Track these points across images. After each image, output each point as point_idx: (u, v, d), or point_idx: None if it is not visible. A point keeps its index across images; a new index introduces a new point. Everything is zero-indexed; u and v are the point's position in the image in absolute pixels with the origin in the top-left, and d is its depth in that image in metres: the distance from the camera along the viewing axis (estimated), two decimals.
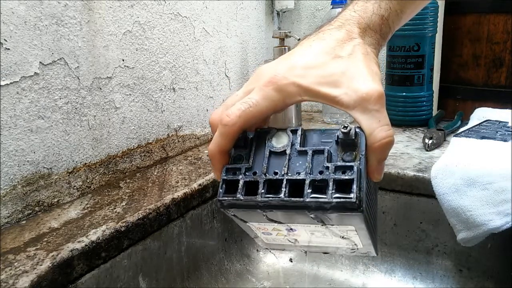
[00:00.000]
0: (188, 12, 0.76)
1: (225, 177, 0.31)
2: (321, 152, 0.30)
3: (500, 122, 0.77)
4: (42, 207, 0.55)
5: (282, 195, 0.29)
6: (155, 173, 0.68)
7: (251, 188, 0.30)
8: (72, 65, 0.57)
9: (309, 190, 0.28)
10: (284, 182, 0.29)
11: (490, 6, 0.91)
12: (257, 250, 0.74)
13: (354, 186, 0.27)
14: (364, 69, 0.31)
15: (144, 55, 0.68)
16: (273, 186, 0.30)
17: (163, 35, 0.71)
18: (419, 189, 0.64)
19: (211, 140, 0.32)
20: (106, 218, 0.52)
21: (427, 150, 0.72)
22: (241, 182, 0.30)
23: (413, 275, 0.67)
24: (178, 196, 0.59)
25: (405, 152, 0.72)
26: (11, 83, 0.50)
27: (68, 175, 0.58)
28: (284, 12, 1.11)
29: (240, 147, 0.32)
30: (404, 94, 0.87)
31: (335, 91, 0.30)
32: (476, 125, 0.77)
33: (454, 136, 0.72)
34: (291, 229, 0.33)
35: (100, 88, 0.61)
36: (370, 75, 0.31)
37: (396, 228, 0.68)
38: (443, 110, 0.95)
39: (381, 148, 0.30)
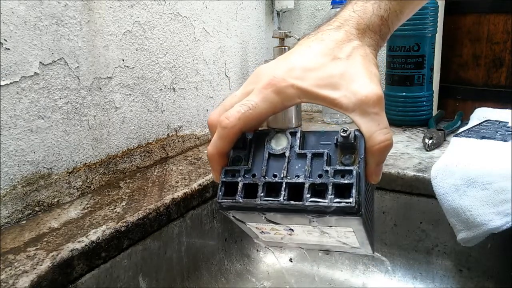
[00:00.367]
0: (188, 12, 0.76)
1: (224, 179, 0.31)
2: (320, 155, 0.30)
3: (500, 122, 0.77)
4: (42, 207, 0.55)
5: (281, 198, 0.29)
6: (155, 173, 0.68)
7: (250, 190, 0.30)
8: (72, 65, 0.57)
9: (308, 195, 0.28)
10: (284, 185, 0.29)
11: (490, 6, 0.91)
12: (257, 250, 0.74)
13: (354, 191, 0.28)
14: (363, 71, 0.31)
15: (144, 55, 0.68)
16: (272, 188, 0.30)
17: (163, 35, 0.71)
18: (419, 189, 0.64)
19: (211, 140, 0.32)
20: (106, 218, 0.52)
21: (427, 150, 0.72)
22: (240, 185, 0.30)
23: (413, 275, 0.67)
24: (178, 196, 0.59)
25: (405, 152, 0.72)
26: (11, 83, 0.50)
27: (68, 175, 0.58)
28: (284, 12, 1.11)
29: (239, 148, 0.32)
30: (404, 94, 0.87)
31: (334, 93, 0.30)
32: (476, 125, 0.77)
33: (454, 136, 0.72)
34: (289, 229, 0.33)
35: (100, 88, 0.61)
36: (369, 77, 0.31)
37: (396, 228, 0.68)
38: (443, 110, 0.95)
39: (380, 151, 0.29)
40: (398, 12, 0.36)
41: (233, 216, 0.32)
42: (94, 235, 0.48)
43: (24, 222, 0.52)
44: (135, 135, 0.69)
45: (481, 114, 0.82)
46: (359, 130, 0.30)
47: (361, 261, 0.71)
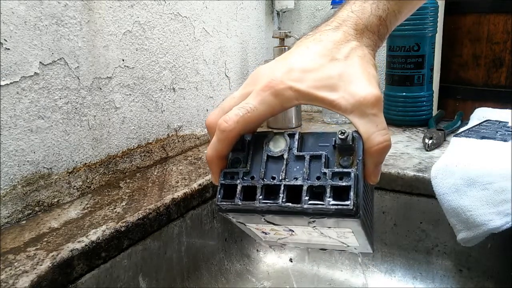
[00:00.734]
0: (188, 12, 0.76)
1: (223, 182, 0.31)
2: (318, 157, 0.30)
3: (500, 122, 0.77)
4: (42, 207, 0.55)
5: (280, 201, 0.29)
6: (155, 173, 0.68)
7: (249, 192, 0.30)
8: (72, 65, 0.57)
9: (307, 197, 0.28)
10: (282, 187, 0.29)
11: (490, 6, 0.91)
12: (257, 250, 0.74)
13: (352, 193, 0.28)
14: (361, 72, 0.31)
15: (144, 55, 0.68)
16: (271, 191, 0.30)
17: (163, 35, 0.71)
18: (419, 189, 0.64)
19: (209, 141, 0.32)
20: (106, 218, 0.52)
21: (427, 150, 0.72)
22: (239, 187, 0.30)
23: (413, 275, 0.67)
24: (178, 196, 0.59)
25: (405, 152, 0.72)
26: (11, 83, 0.50)
27: (68, 175, 0.58)
28: (284, 12, 1.11)
29: (237, 150, 0.32)
30: (404, 94, 0.87)
31: (332, 95, 0.30)
32: (476, 125, 0.77)
33: (454, 136, 0.72)
34: (289, 230, 0.33)
35: (100, 88, 0.61)
36: (367, 78, 0.31)
37: (396, 228, 0.68)
38: (443, 110, 0.95)
39: (378, 153, 0.29)
40: (397, 12, 0.36)
41: (232, 218, 0.33)
42: (94, 235, 0.48)
43: (24, 222, 0.52)
44: (135, 135, 0.69)
45: (481, 114, 0.82)
46: (357, 132, 0.30)
47: (361, 261, 0.71)
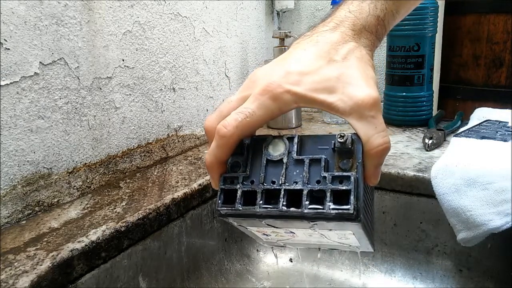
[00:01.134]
0: (188, 12, 0.76)
1: (223, 187, 0.31)
2: (318, 161, 0.30)
3: (500, 122, 0.77)
4: (42, 207, 0.55)
5: (280, 205, 0.29)
6: (155, 173, 0.68)
7: (249, 196, 0.30)
8: (72, 65, 0.57)
9: (307, 202, 0.28)
10: (282, 192, 0.29)
11: (490, 6, 0.91)
12: (257, 250, 0.74)
13: (352, 197, 0.28)
14: (359, 74, 0.31)
15: (144, 55, 0.68)
16: (271, 195, 0.30)
17: (163, 35, 0.71)
18: (419, 189, 0.64)
19: (209, 144, 0.32)
20: (106, 218, 0.52)
21: (427, 150, 0.72)
22: (239, 192, 0.30)
23: (413, 275, 0.67)
24: (178, 196, 0.59)
25: (405, 152, 0.72)
26: (11, 83, 0.50)
27: (68, 175, 0.58)
28: (284, 12, 1.11)
29: (237, 154, 0.32)
30: (404, 94, 0.87)
31: (331, 97, 0.30)
32: (476, 125, 0.77)
33: (454, 136, 0.72)
34: (290, 232, 0.33)
35: (100, 88, 0.61)
36: (365, 80, 0.30)
37: (396, 228, 0.68)
38: (443, 110, 0.95)
39: (378, 155, 0.29)
40: (395, 12, 0.36)
41: (233, 222, 0.33)
42: (94, 235, 0.48)
43: (24, 222, 0.52)
44: (135, 135, 0.69)
45: (481, 114, 0.82)
46: (356, 134, 0.30)
47: (361, 261, 0.71)
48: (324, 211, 0.28)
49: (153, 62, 0.70)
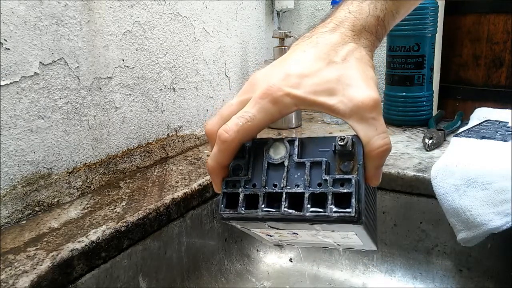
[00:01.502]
0: (188, 12, 0.76)
1: (225, 190, 0.31)
2: (318, 163, 0.30)
3: (500, 122, 0.77)
4: (42, 207, 0.55)
5: (282, 209, 0.29)
6: (155, 173, 0.68)
7: (251, 200, 0.30)
8: (72, 65, 0.57)
9: (309, 205, 0.29)
10: (284, 195, 0.29)
11: (490, 6, 0.91)
12: (257, 250, 0.74)
13: (353, 200, 0.28)
14: (359, 75, 0.31)
15: (144, 55, 0.68)
16: (273, 198, 0.30)
17: (163, 35, 0.71)
18: (419, 189, 0.64)
19: (211, 148, 0.32)
20: (106, 218, 0.52)
21: (427, 150, 0.72)
22: (241, 196, 0.30)
23: (413, 275, 0.67)
24: (178, 196, 0.59)
25: (405, 152, 0.72)
26: (11, 83, 0.50)
27: (68, 175, 0.58)
28: (284, 12, 1.11)
29: (238, 157, 0.32)
30: (404, 94, 0.87)
31: (331, 99, 0.30)
32: (476, 125, 0.77)
33: (454, 136, 0.72)
34: (293, 233, 0.34)
35: (100, 88, 0.61)
36: (365, 81, 0.30)
37: (396, 228, 0.68)
38: (443, 110, 0.95)
39: (379, 156, 0.29)
40: (394, 12, 0.36)
41: (236, 224, 0.33)
42: (94, 235, 0.48)
43: (24, 222, 0.52)
44: (135, 135, 0.69)
45: (481, 114, 0.82)
46: (356, 136, 0.30)
47: (361, 261, 0.71)
48: (325, 214, 0.28)
49: (153, 62, 0.70)
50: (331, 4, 0.90)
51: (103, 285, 0.48)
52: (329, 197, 0.28)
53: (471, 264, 0.64)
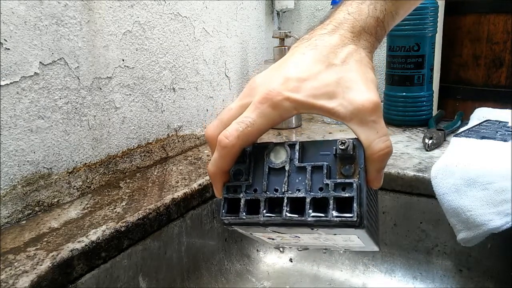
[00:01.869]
0: (188, 12, 0.76)
1: (226, 196, 0.31)
2: (319, 167, 0.30)
3: (500, 122, 0.77)
4: (42, 207, 0.55)
5: (283, 214, 0.29)
6: (155, 173, 0.68)
7: (252, 205, 0.30)
8: (72, 65, 0.57)
9: (310, 210, 0.28)
10: (285, 200, 0.29)
11: (490, 6, 0.91)
12: (257, 250, 0.74)
13: (355, 205, 0.28)
14: (358, 77, 0.30)
15: (144, 55, 0.68)
16: (274, 203, 0.30)
17: (163, 35, 0.71)
18: (419, 189, 0.64)
19: (212, 153, 0.32)
20: (106, 218, 0.52)
21: (427, 150, 0.72)
22: (242, 201, 0.30)
23: (413, 275, 0.67)
24: (178, 196, 0.59)
25: (405, 152, 0.72)
26: (11, 83, 0.50)
27: (68, 175, 0.58)
28: (284, 12, 1.11)
29: (239, 162, 0.32)
30: (404, 94, 0.87)
31: (331, 102, 0.30)
32: (476, 125, 0.77)
33: (454, 136, 0.72)
34: (295, 236, 0.34)
35: (100, 88, 0.61)
36: (365, 84, 0.30)
37: (396, 228, 0.68)
38: (443, 110, 0.95)
39: (380, 159, 0.29)
40: (394, 13, 0.36)
41: (238, 229, 0.33)
42: (94, 235, 0.48)
43: (24, 222, 0.52)
44: (135, 135, 0.69)
45: (481, 114, 0.82)
46: (357, 139, 0.30)
47: (361, 261, 0.71)
48: (327, 219, 0.28)
49: (153, 62, 0.70)
50: (331, 4, 0.90)
51: (103, 285, 0.48)
52: (331, 202, 0.28)
53: (471, 264, 0.64)
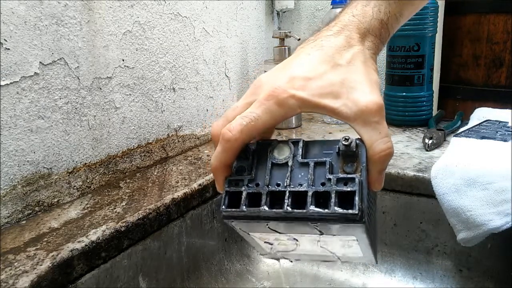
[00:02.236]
0: (188, 12, 0.76)
1: (228, 189, 0.31)
2: (322, 164, 0.30)
3: (500, 122, 0.77)
4: (42, 207, 0.55)
5: (285, 206, 0.29)
6: (155, 173, 0.68)
7: (254, 199, 0.30)
8: (72, 65, 0.57)
9: (312, 203, 0.29)
10: (287, 194, 0.29)
11: (490, 6, 0.91)
12: (257, 250, 0.74)
13: (357, 198, 0.28)
14: (363, 78, 0.31)
15: (144, 55, 0.68)
16: (276, 197, 0.30)
17: (163, 35, 0.71)
18: (419, 189, 0.64)
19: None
20: (106, 218, 0.52)
21: (427, 150, 0.72)
22: (244, 194, 0.30)
23: (413, 275, 0.67)
24: (178, 196, 0.59)
25: (405, 152, 0.72)
26: (11, 83, 0.50)
27: (68, 175, 0.58)
28: (284, 12, 1.11)
29: (242, 158, 0.32)
30: (404, 94, 0.87)
31: (335, 102, 0.30)
32: (476, 125, 0.77)
33: (454, 136, 0.72)
34: (293, 239, 0.34)
35: (100, 88, 0.61)
36: (369, 85, 0.31)
37: (396, 228, 0.68)
38: (443, 110, 0.95)
39: (381, 160, 0.30)
40: (398, 16, 0.36)
41: (236, 226, 0.33)
42: (94, 235, 0.48)
43: (24, 222, 0.52)
44: (135, 135, 0.69)
45: (481, 114, 0.82)
46: (360, 139, 0.30)
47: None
48: (328, 212, 0.28)
49: (153, 62, 0.70)
50: (331, 4, 0.90)
51: (103, 285, 0.48)
52: (333, 195, 0.28)
53: (471, 264, 0.64)
